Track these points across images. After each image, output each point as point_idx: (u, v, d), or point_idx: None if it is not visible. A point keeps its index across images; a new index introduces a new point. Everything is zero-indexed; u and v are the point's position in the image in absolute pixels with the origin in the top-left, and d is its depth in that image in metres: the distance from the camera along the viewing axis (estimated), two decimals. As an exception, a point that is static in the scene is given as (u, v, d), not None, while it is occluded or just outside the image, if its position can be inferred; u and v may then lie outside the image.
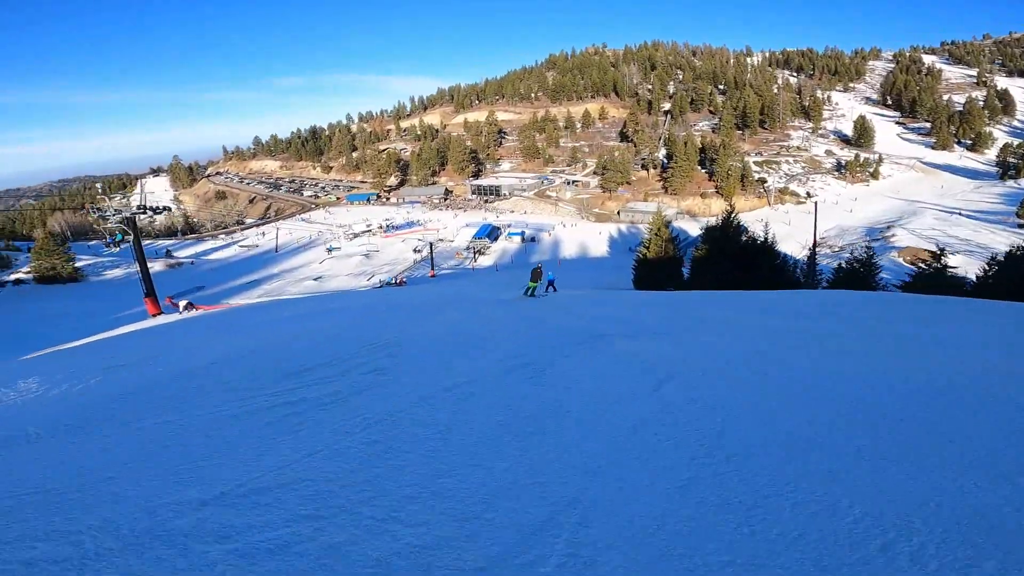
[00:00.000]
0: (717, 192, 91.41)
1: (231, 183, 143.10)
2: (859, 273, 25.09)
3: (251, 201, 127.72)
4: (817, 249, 36.82)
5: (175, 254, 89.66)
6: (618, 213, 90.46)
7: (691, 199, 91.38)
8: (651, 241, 45.38)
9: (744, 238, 29.39)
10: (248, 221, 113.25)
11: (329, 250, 65.17)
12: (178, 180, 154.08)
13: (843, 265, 28.82)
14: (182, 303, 26.16)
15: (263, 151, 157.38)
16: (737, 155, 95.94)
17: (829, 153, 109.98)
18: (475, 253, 77.18)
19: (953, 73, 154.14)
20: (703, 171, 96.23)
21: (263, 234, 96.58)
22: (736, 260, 27.98)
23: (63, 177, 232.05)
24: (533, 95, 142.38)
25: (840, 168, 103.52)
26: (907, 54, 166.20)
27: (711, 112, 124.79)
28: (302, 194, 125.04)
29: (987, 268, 17.81)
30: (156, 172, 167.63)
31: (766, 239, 30.72)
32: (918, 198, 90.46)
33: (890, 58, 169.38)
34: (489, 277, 60.02)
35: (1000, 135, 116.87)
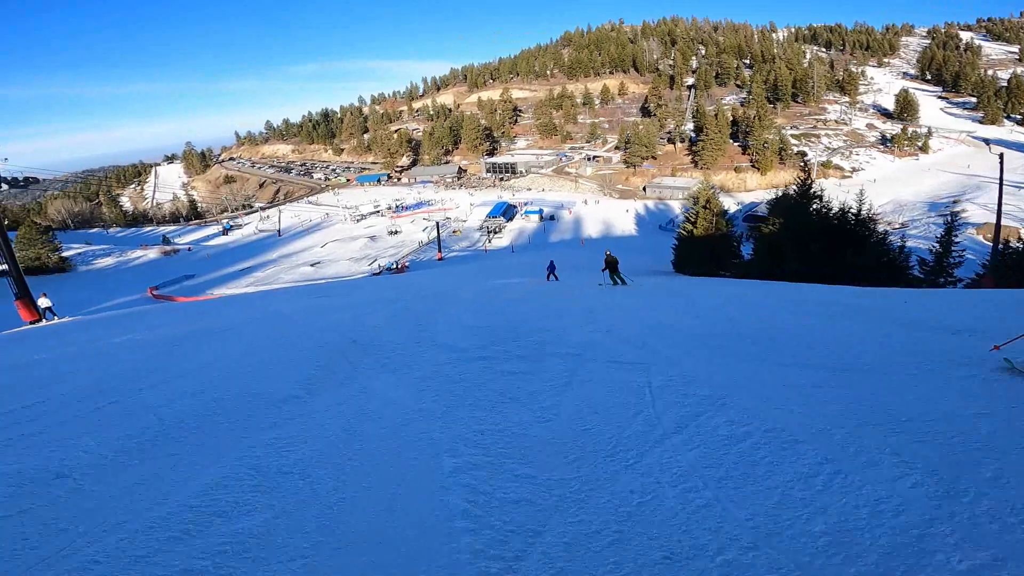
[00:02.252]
0: (753, 166, 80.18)
1: (242, 168, 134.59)
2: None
3: (261, 185, 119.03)
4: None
5: (175, 240, 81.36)
6: (644, 189, 79.78)
7: (724, 174, 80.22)
8: (698, 215, 35.00)
9: (828, 210, 22.66)
10: (257, 205, 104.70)
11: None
12: (191, 167, 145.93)
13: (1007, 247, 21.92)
14: (43, 303, 17.52)
15: (275, 136, 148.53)
16: (773, 127, 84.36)
17: (871, 127, 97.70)
18: (489, 233, 67.28)
19: (993, 49, 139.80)
20: (735, 144, 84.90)
21: (267, 217, 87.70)
22: (825, 239, 21.64)
23: (88, 168, 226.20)
24: (549, 72, 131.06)
25: (885, 142, 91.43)
26: (942, 30, 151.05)
27: (738, 86, 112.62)
28: (312, 177, 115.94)
29: None
30: (170, 160, 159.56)
31: (862, 213, 22.32)
32: (976, 172, 78.62)
33: (924, 34, 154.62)
34: (504, 260, 50.39)
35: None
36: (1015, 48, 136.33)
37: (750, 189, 78.26)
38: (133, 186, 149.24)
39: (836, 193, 37.53)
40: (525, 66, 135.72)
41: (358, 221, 79.76)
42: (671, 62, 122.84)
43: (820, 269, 21.59)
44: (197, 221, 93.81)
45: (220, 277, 57.01)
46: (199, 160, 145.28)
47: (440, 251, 54.59)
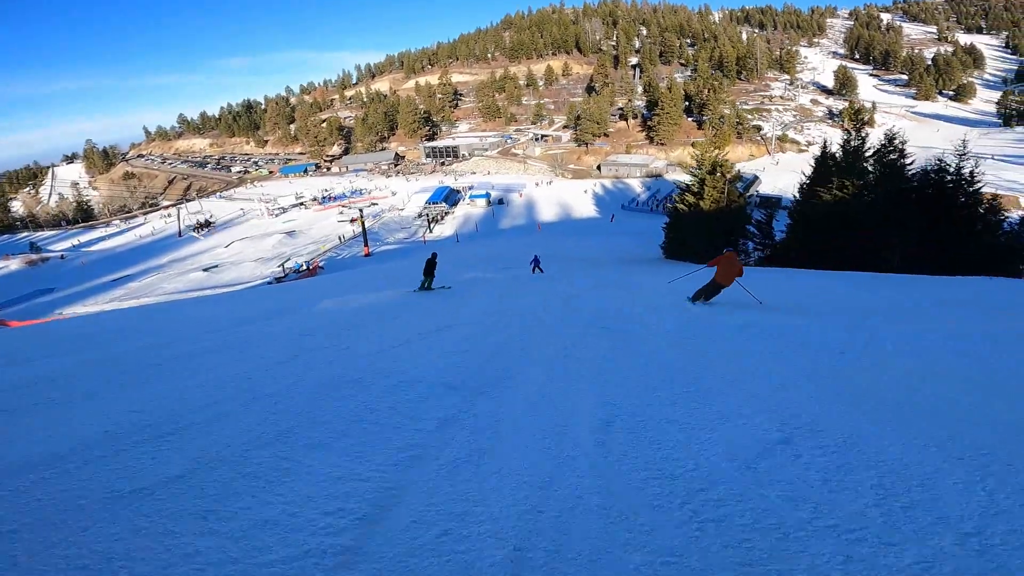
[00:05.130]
0: (693, 145, 71.96)
1: (151, 165, 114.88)
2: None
3: (170, 182, 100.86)
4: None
5: (52, 247, 64.24)
6: (599, 168, 69.90)
7: (681, 149, 71.46)
8: (703, 185, 24.86)
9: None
10: (165, 203, 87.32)
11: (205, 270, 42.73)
12: (93, 166, 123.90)
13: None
14: None
15: (190, 130, 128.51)
16: (727, 101, 76.63)
17: (815, 103, 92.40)
18: (430, 221, 55.35)
19: (912, 30, 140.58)
20: (690, 120, 76.54)
21: (167, 216, 71.55)
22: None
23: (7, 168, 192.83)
24: (490, 55, 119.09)
25: (833, 116, 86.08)
26: (863, 11, 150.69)
27: (682, 64, 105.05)
28: (230, 171, 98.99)
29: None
30: (70, 159, 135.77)
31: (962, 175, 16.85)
32: (926, 144, 74.17)
33: (846, 15, 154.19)
34: (447, 252, 38.95)
35: (977, 87, 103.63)
36: (932, 28, 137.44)
37: (693, 173, 70.02)
38: (27, 189, 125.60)
39: (781, 167, 29.02)
40: (465, 50, 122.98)
41: (277, 215, 65.55)
42: (614, 42, 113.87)
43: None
44: (84, 224, 76.14)
45: (85, 291, 42.86)
46: (101, 159, 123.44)
47: (367, 245, 42.26)
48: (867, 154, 22.70)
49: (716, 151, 29.18)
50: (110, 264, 53.85)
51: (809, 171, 23.97)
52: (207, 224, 63.48)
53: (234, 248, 52.75)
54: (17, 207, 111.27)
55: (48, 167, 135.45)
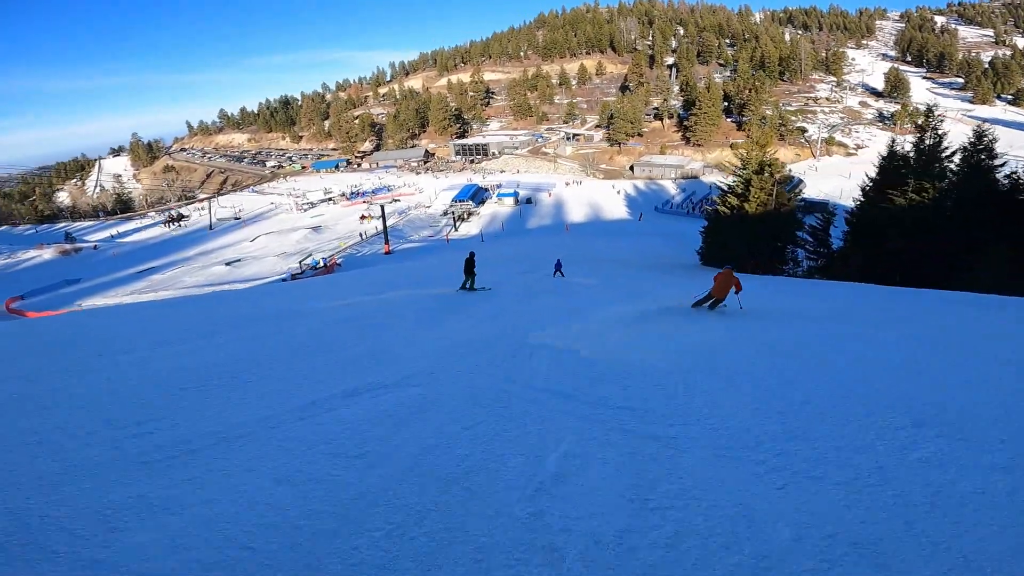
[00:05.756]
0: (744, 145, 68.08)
1: (191, 159, 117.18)
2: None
3: (208, 175, 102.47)
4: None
5: (88, 238, 65.35)
6: (631, 168, 66.90)
7: (719, 151, 67.85)
8: (749, 186, 21.94)
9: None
10: (201, 195, 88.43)
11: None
12: (138, 159, 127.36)
13: None
14: None
15: (230, 125, 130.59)
16: (770, 102, 72.47)
17: (864, 105, 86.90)
18: (455, 219, 53.60)
19: (968, 32, 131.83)
20: (729, 120, 72.70)
21: (200, 209, 72.00)
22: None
23: (44, 164, 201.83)
24: (523, 54, 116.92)
25: (884, 119, 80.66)
26: (915, 14, 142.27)
27: (720, 64, 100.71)
28: (265, 165, 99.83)
29: None
30: (117, 152, 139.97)
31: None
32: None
33: (897, 18, 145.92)
34: (469, 251, 37.13)
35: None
36: (989, 31, 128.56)
37: (737, 173, 66.18)
38: (74, 181, 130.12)
39: (825, 170, 25.87)
40: (498, 48, 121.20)
41: (305, 210, 65.03)
42: (649, 41, 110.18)
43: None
44: (120, 215, 77.47)
45: (109, 282, 42.60)
46: (146, 152, 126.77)
47: (387, 242, 40.68)
48: (943, 154, 19.69)
49: (763, 150, 26.38)
50: (141, 255, 54.08)
51: (853, 174, 21.08)
52: (180, 218, 63.28)
53: (259, 242, 52.15)
54: (63, 198, 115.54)
55: (95, 160, 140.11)
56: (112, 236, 66.28)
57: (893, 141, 22.47)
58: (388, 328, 8.20)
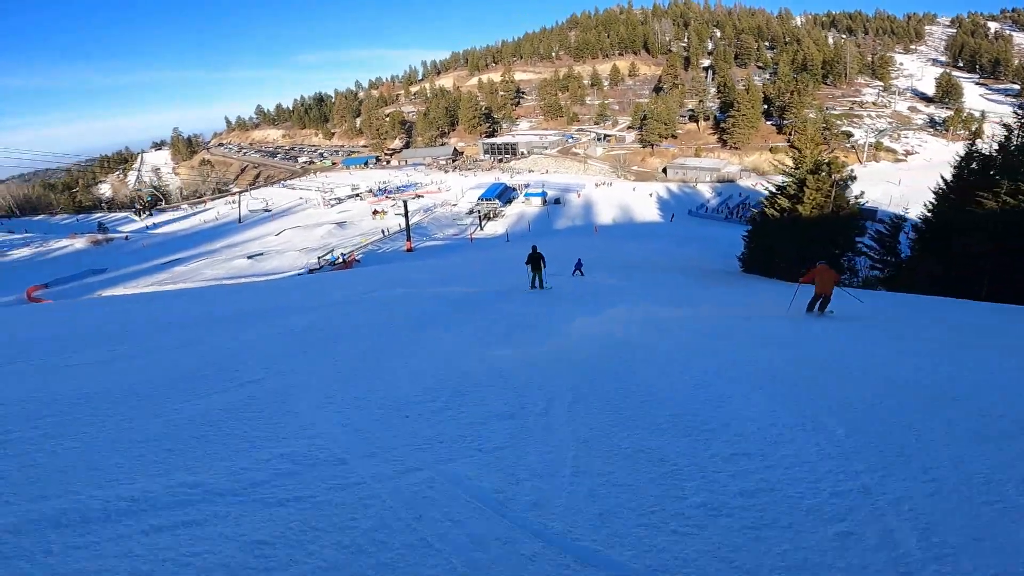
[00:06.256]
0: (791, 147, 64.59)
1: (228, 154, 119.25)
2: None
3: (243, 170, 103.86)
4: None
5: (122, 228, 66.27)
6: (664, 171, 64.26)
7: (757, 154, 64.67)
8: (803, 186, 19.46)
9: None
10: (235, 189, 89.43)
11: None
12: (178, 153, 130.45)
13: None
14: None
15: (266, 121, 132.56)
16: (814, 104, 68.74)
17: (914, 110, 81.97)
18: (482, 218, 52.05)
19: (1023, 39, 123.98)
20: (769, 123, 69.30)
21: (233, 203, 72.35)
22: None
23: (91, 156, 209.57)
24: (554, 54, 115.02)
25: (935, 124, 75.82)
26: (967, 19, 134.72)
27: (759, 67, 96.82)
28: (296, 161, 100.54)
29: None
30: (159, 146, 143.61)
31: None
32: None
33: (947, 23, 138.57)
34: (495, 251, 35.42)
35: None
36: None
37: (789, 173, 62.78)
38: (117, 173, 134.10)
39: (872, 176, 23.08)
40: (530, 48, 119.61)
41: (332, 206, 64.55)
42: (685, 43, 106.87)
43: None
44: (153, 207, 78.51)
45: (132, 273, 42.47)
46: (185, 146, 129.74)
47: (409, 239, 39.33)
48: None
49: (818, 147, 23.88)
50: (169, 247, 54.29)
51: (903, 180, 18.52)
52: (153, 205, 62.72)
53: (284, 236, 51.64)
54: (106, 190, 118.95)
55: (138, 153, 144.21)
56: (146, 227, 67.16)
57: (974, 140, 19.67)
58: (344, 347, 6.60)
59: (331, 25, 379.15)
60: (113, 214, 75.87)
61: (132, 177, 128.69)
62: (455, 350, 5.91)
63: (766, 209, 23.98)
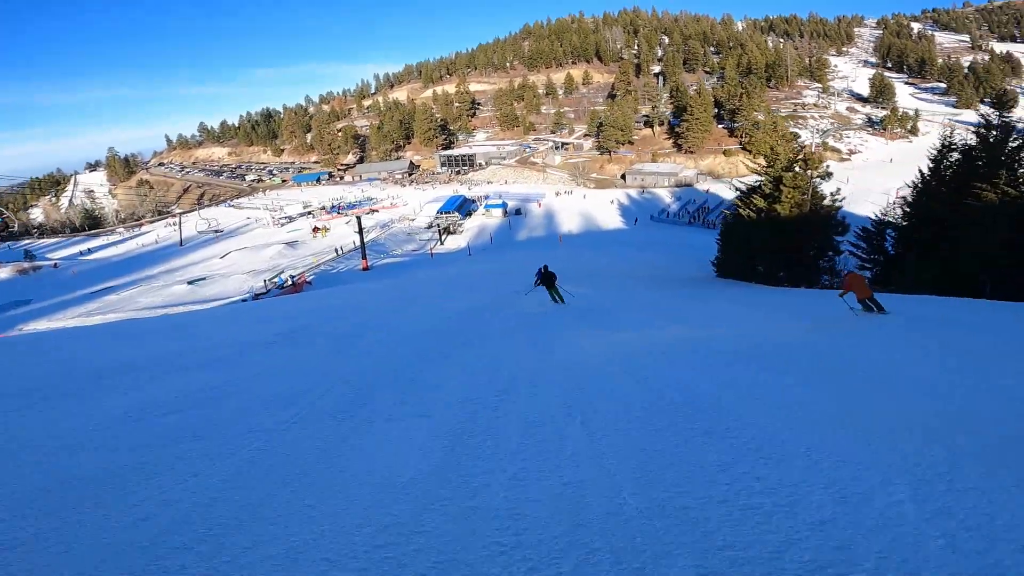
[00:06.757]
0: (744, 149, 65.46)
1: (169, 173, 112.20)
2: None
3: (185, 190, 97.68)
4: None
5: (51, 255, 60.35)
6: (623, 177, 63.82)
7: (711, 158, 65.18)
8: (780, 184, 18.32)
9: None
10: (176, 210, 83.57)
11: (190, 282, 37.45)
12: (115, 174, 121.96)
13: None
14: None
15: (210, 138, 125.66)
16: (762, 106, 70.08)
17: (852, 110, 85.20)
18: (442, 232, 49.80)
19: (945, 38, 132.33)
20: (721, 127, 70.15)
21: (173, 225, 67.25)
22: None
23: (20, 179, 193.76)
24: (509, 64, 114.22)
25: (873, 124, 78.88)
26: (892, 20, 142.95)
27: (707, 72, 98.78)
28: (244, 179, 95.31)
29: None
30: (93, 167, 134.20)
31: None
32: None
33: (874, 25, 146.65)
34: (457, 267, 33.39)
35: (1019, 95, 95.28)
36: (965, 37, 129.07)
37: (742, 175, 63.41)
38: (49, 196, 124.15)
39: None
40: (484, 59, 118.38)
41: (282, 225, 60.76)
42: (635, 50, 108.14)
43: None
44: (86, 232, 72.38)
45: (59, 304, 37.96)
46: (122, 167, 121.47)
47: (365, 257, 36.71)
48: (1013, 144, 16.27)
49: (789, 144, 22.98)
50: (103, 274, 49.53)
51: (851, 179, 17.61)
52: (3, 228, 56.75)
53: (230, 259, 47.77)
54: (37, 214, 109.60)
55: (72, 175, 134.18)
56: (80, 253, 61.87)
57: (952, 130, 18.86)
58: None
59: (279, 40, 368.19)
60: (41, 241, 69.31)
61: (65, 200, 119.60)
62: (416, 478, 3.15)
63: (740, 210, 22.73)
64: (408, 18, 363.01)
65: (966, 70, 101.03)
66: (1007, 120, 16.72)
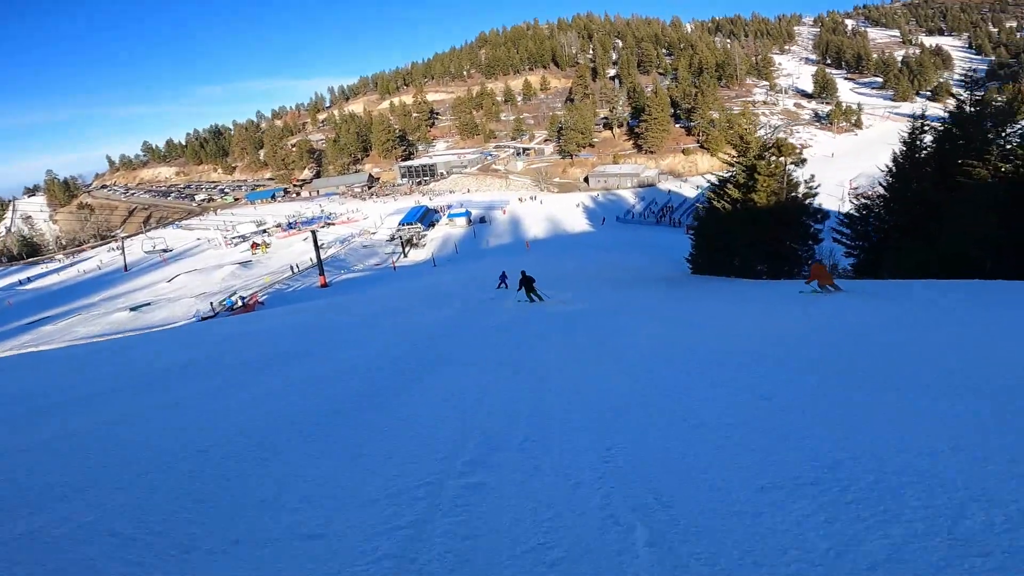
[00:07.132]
0: (702, 147, 66.22)
1: (112, 196, 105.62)
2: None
3: (131, 212, 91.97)
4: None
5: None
6: (586, 180, 63.42)
7: (671, 157, 65.61)
8: (755, 172, 17.49)
9: None
10: (121, 234, 78.33)
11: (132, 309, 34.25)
12: (54, 198, 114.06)
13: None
14: None
15: (156, 158, 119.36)
16: (716, 105, 71.16)
17: (799, 106, 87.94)
18: (404, 244, 47.90)
19: (877, 34, 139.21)
20: (679, 126, 70.83)
21: (117, 249, 62.81)
22: None
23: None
24: (466, 72, 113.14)
25: (820, 119, 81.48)
26: (827, 18, 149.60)
27: (660, 73, 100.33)
28: (194, 199, 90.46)
29: None
30: (32, 192, 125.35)
31: None
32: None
33: (811, 23, 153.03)
34: (422, 279, 31.68)
35: (952, 86, 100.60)
36: (895, 32, 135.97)
37: (702, 172, 64.05)
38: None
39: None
40: (440, 68, 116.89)
41: (236, 244, 57.45)
42: (591, 55, 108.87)
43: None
44: (27, 260, 66.99)
45: (-1, 334, 34.44)
46: (63, 191, 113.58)
47: (323, 274, 34.56)
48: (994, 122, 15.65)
49: (761, 129, 22.26)
50: (41, 303, 45.60)
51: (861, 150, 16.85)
52: None
53: (178, 282, 44.55)
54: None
55: (9, 200, 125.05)
56: (19, 282, 57.14)
57: (924, 112, 18.24)
58: None
59: (228, 56, 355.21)
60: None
61: (2, 228, 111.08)
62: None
63: (715, 203, 21.79)
64: (360, 31, 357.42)
65: (900, 64, 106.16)
66: (981, 100, 16.29)
